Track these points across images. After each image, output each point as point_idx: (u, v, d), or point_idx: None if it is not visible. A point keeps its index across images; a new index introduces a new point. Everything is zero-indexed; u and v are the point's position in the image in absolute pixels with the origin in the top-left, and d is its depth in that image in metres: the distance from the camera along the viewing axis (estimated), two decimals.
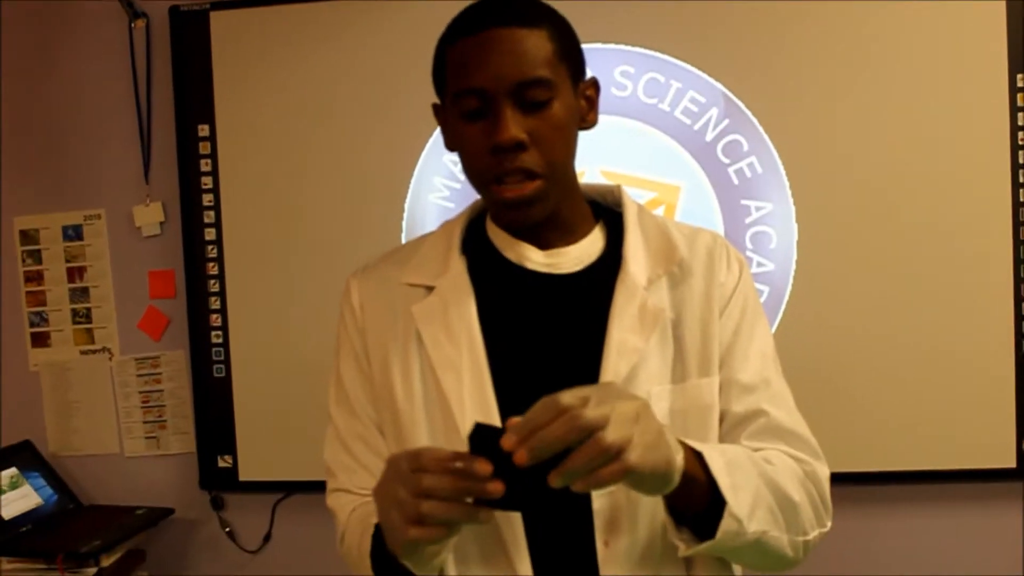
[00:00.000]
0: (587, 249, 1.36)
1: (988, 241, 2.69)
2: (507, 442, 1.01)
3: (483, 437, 1.03)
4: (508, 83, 1.22)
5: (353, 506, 1.39)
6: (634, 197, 1.45)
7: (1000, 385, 2.70)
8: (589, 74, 1.37)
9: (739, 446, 1.27)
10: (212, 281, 2.98)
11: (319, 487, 2.86)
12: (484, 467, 1.02)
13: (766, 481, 1.21)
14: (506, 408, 1.27)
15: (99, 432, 3.12)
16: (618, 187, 1.45)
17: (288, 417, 2.94)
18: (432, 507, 1.05)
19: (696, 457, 1.15)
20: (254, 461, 2.99)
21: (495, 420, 1.25)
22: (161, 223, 3.05)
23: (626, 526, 1.25)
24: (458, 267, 1.36)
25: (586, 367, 1.27)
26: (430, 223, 2.84)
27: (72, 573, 2.58)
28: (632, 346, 1.27)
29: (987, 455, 2.72)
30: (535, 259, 1.34)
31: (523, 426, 1.01)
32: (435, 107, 1.38)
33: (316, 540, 3.02)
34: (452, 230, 1.42)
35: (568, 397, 1.02)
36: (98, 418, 3.12)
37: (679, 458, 1.09)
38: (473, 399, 1.27)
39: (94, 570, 2.63)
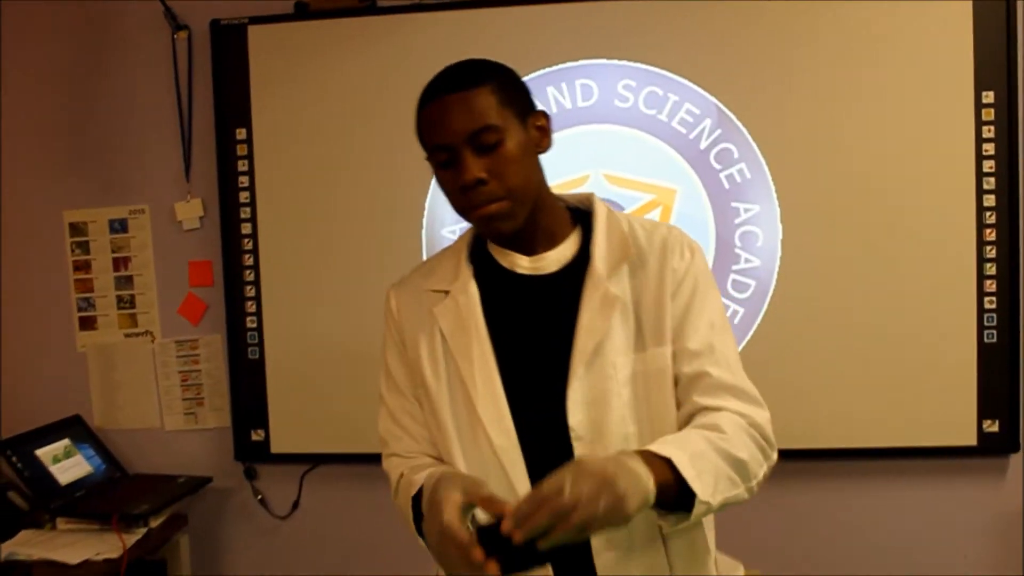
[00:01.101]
0: (564, 252, 1.67)
1: (954, 239, 2.99)
2: (506, 526, 1.33)
3: (487, 534, 1.37)
4: (463, 135, 1.53)
5: (402, 470, 1.71)
6: (614, 200, 1.74)
7: (963, 371, 2.99)
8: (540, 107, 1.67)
9: (697, 431, 1.53)
10: (247, 271, 3.26)
11: (344, 459, 3.19)
12: (479, 554, 1.36)
13: (722, 455, 1.50)
14: (507, 380, 1.60)
15: (141, 408, 3.41)
16: (590, 195, 1.74)
17: (316, 395, 3.23)
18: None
19: (666, 461, 1.44)
20: (284, 435, 3.28)
21: (499, 392, 1.59)
22: (201, 218, 3.33)
23: None
24: (466, 275, 1.69)
25: (564, 346, 1.59)
26: (448, 220, 3.13)
27: (125, 533, 2.86)
28: (597, 327, 1.58)
29: (951, 434, 3.01)
30: (523, 264, 1.66)
31: (516, 515, 1.33)
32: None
33: (340, 507, 3.34)
34: (461, 245, 1.75)
35: (547, 488, 1.32)
36: (140, 395, 3.41)
37: (651, 486, 1.38)
38: (482, 376, 1.61)
39: (144, 530, 2.92)
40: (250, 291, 3.26)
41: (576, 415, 1.56)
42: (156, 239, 3.38)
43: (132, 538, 2.87)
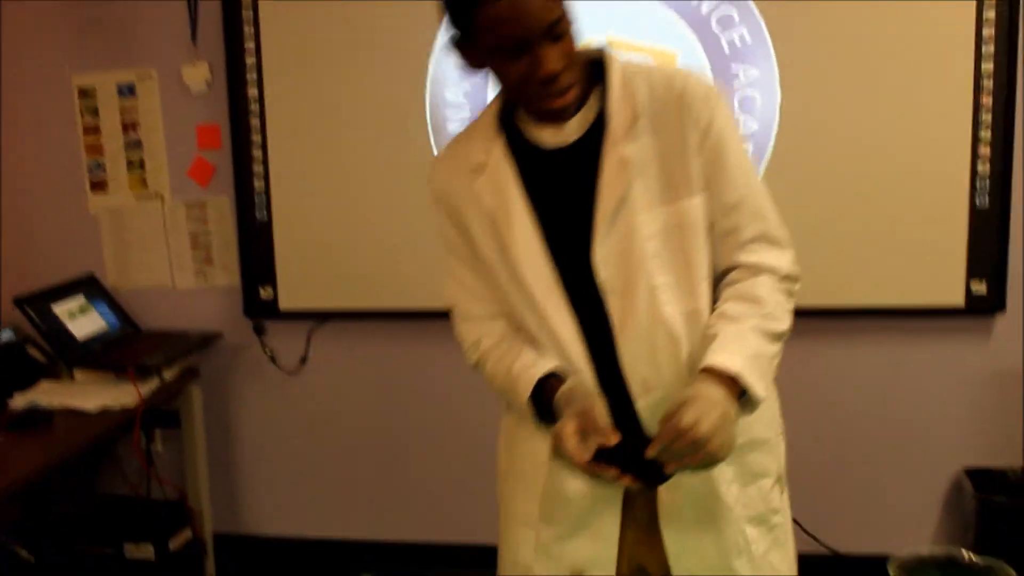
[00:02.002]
0: (585, 116, 1.68)
1: (951, 106, 3.03)
2: (650, 453, 1.52)
3: (605, 454, 1.57)
4: (541, 28, 1.50)
5: (479, 335, 1.81)
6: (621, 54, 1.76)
7: (954, 234, 3.07)
8: None
9: (749, 328, 1.62)
10: (255, 134, 3.32)
11: (350, 316, 3.29)
12: (609, 471, 1.58)
13: (770, 338, 1.63)
14: (548, 244, 1.68)
15: (153, 268, 3.51)
16: (600, 50, 1.71)
17: (323, 254, 3.33)
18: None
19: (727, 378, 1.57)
20: (292, 293, 3.39)
21: (541, 259, 1.67)
22: (208, 81, 3.38)
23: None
24: (499, 150, 1.71)
25: (589, 208, 1.65)
26: (450, 80, 3.19)
27: (140, 383, 2.98)
28: (615, 189, 1.62)
29: (940, 294, 3.11)
30: (547, 138, 1.69)
31: (660, 443, 1.51)
32: (454, 41, 1.62)
33: (345, 362, 3.46)
34: (490, 118, 1.76)
35: (687, 420, 1.48)
36: (152, 256, 3.50)
37: (733, 412, 1.54)
38: (524, 245, 1.68)
39: (157, 380, 3.05)
40: (257, 154, 3.33)
41: (605, 271, 1.64)
42: (164, 103, 3.43)
43: (147, 388, 2.99)
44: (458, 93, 3.18)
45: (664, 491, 1.71)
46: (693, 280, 1.66)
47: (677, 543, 1.74)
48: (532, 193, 1.69)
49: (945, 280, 3.09)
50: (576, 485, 1.74)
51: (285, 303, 3.39)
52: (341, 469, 3.55)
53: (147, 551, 3.14)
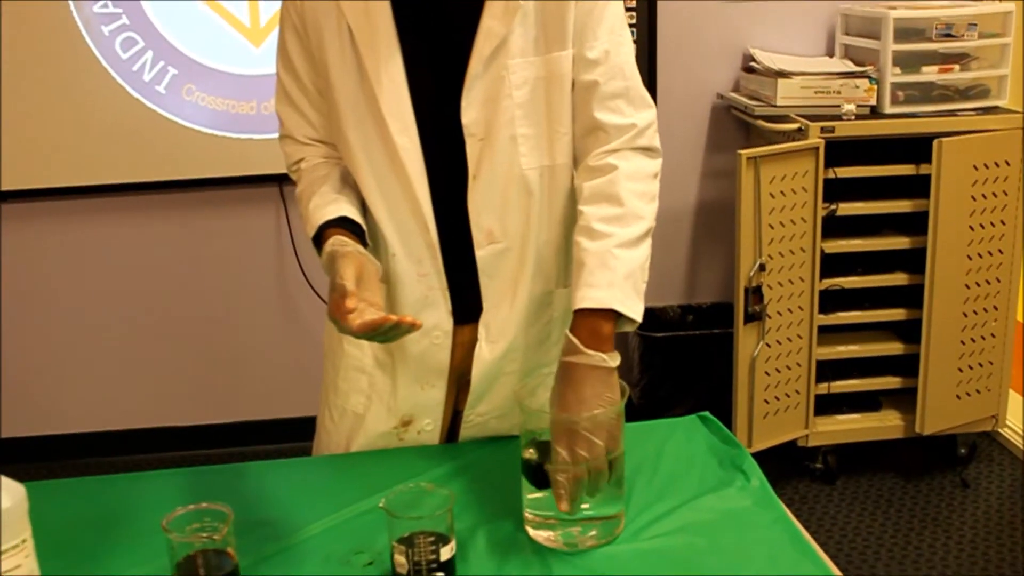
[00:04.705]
0: None
1: None
2: (564, 508, 1.43)
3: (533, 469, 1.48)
4: None
5: (300, 157, 1.76)
6: None
7: None
8: None
9: (613, 246, 1.56)
10: None
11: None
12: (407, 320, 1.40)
13: (635, 245, 1.58)
14: (411, 78, 1.62)
15: None
16: None
17: None
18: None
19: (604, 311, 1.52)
20: None
21: (403, 92, 1.60)
22: None
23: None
24: None
25: (466, 47, 1.60)
26: None
27: None
28: (495, 32, 1.58)
29: None
30: None
31: (564, 497, 1.43)
32: None
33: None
34: None
35: (562, 470, 1.42)
36: None
37: (613, 363, 1.49)
38: (387, 74, 1.61)
39: None
40: None
41: (470, 114, 1.61)
42: None
43: None
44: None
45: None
46: (553, 135, 1.65)
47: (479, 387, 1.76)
48: (404, 20, 1.61)
49: None
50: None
51: None
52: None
53: None
